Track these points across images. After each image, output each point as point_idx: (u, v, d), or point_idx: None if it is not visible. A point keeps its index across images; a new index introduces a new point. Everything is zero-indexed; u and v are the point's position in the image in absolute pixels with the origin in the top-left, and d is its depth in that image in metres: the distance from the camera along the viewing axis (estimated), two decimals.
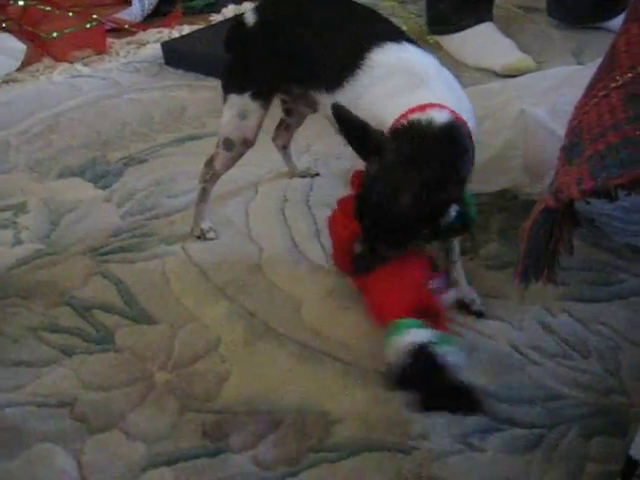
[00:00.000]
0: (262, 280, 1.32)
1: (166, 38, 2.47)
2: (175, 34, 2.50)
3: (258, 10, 1.34)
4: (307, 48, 1.24)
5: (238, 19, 1.37)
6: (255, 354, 1.17)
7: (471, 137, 1.11)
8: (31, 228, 1.51)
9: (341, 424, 1.04)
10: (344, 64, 1.18)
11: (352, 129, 1.07)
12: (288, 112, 1.51)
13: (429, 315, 1.07)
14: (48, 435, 1.04)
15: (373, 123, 1.07)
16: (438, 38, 2.31)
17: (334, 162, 1.67)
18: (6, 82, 2.26)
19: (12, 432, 1.05)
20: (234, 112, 1.34)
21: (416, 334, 1.01)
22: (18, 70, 2.32)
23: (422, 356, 0.99)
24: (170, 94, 2.04)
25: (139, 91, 2.10)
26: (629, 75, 0.71)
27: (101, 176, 1.68)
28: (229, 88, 1.35)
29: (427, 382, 0.98)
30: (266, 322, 1.22)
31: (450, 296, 1.21)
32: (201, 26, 2.51)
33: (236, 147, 1.36)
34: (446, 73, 1.19)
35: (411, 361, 0.98)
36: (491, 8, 2.28)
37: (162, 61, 2.28)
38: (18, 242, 1.47)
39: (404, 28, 2.41)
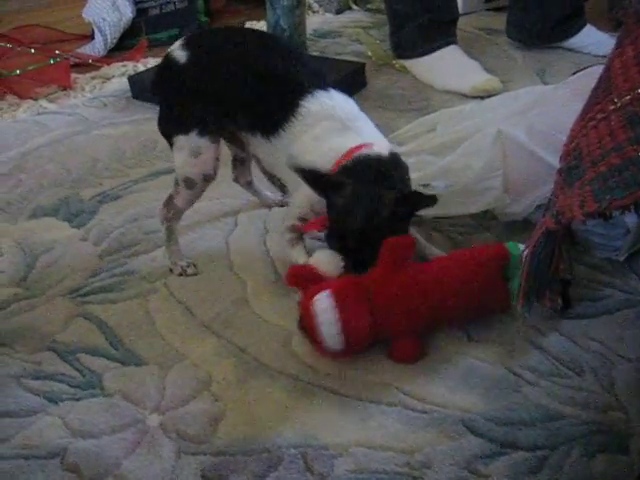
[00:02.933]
0: (249, 314, 1.30)
1: (131, 71, 2.45)
2: (140, 67, 2.49)
3: (188, 47, 1.33)
4: (240, 90, 1.30)
5: (168, 58, 1.35)
6: (248, 391, 1.14)
7: None
8: (6, 271, 1.47)
9: (342, 457, 1.02)
10: (279, 111, 1.28)
11: (308, 175, 1.21)
12: (239, 146, 1.49)
13: None
14: None
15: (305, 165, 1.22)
16: (404, 62, 2.33)
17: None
18: None
19: None
20: (186, 153, 1.32)
21: None
22: None
23: None
24: (140, 127, 2.02)
25: (108, 126, 2.07)
26: (627, 97, 0.72)
27: (75, 215, 1.64)
28: (173, 130, 1.33)
29: None
30: (257, 357, 1.20)
31: None
32: None
33: (198, 184, 1.35)
34: (363, 115, 1.35)
35: None
36: (455, 31, 2.31)
37: (129, 95, 2.26)
38: None
39: (369, 54, 2.45)
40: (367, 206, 1.20)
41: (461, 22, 2.38)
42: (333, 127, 1.28)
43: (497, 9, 2.80)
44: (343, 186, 1.21)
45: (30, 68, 2.41)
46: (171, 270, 1.41)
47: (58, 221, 1.63)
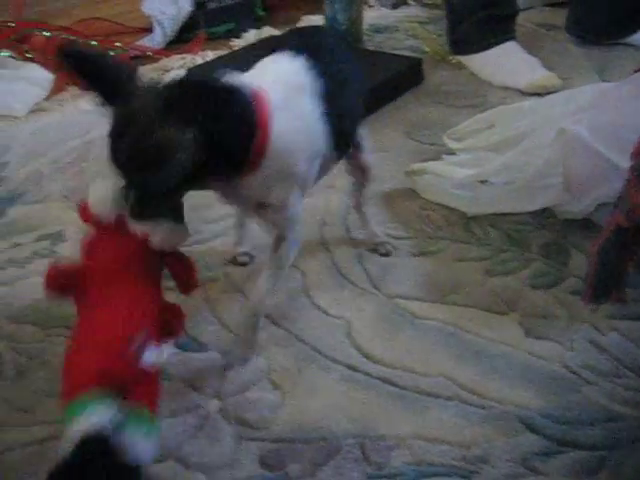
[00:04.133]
0: (307, 304, 1.31)
1: (189, 64, 2.48)
2: (198, 60, 2.52)
3: None
4: None
5: None
6: (306, 380, 1.16)
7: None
8: (70, 257, 1.51)
9: (399, 449, 1.03)
10: None
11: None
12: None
13: (121, 384, 0.85)
14: None
15: None
16: (461, 58, 2.32)
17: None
18: (34, 112, 2.28)
19: None
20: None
21: (93, 416, 0.81)
22: (45, 100, 2.34)
23: (93, 446, 0.80)
24: None
25: None
26: None
27: None
28: None
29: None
30: (315, 347, 1.22)
31: (152, 355, 0.92)
32: (224, 52, 2.53)
33: None
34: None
35: (79, 454, 0.80)
36: (514, 27, 2.29)
37: None
38: None
39: (426, 49, 2.45)
40: (135, 140, 0.92)
41: (520, 17, 2.36)
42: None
43: (557, 4, 2.76)
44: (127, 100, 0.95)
45: None
46: (232, 258, 1.44)
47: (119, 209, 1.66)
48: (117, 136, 0.95)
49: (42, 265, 1.49)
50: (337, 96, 1.13)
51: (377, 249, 1.44)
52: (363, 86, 1.30)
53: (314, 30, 1.47)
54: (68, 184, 1.80)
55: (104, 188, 1.03)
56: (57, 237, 1.59)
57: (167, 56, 2.58)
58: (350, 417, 1.09)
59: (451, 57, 2.35)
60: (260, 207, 1.11)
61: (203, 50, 2.61)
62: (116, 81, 0.98)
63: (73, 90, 2.38)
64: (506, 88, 2.14)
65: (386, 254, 1.43)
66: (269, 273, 1.16)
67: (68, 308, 1.35)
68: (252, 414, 1.10)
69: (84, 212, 1.04)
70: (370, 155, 1.39)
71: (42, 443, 1.07)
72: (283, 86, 1.06)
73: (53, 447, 0.99)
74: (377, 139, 1.89)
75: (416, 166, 1.65)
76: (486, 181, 1.57)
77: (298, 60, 1.11)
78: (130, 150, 0.92)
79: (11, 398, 1.17)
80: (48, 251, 1.54)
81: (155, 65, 2.53)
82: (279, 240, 1.16)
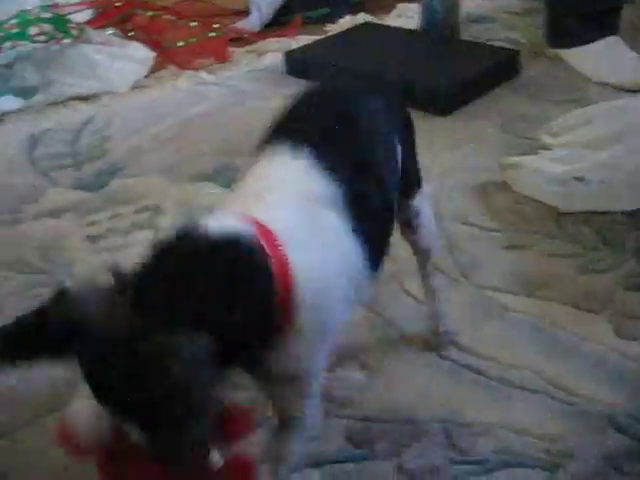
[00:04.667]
0: (397, 290, 1.34)
1: (285, 47, 2.52)
2: (293, 44, 2.56)
3: None
4: None
5: None
6: (394, 363, 1.19)
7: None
8: (168, 230, 1.58)
9: (485, 437, 1.05)
10: None
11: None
12: None
13: None
14: None
15: None
16: (559, 51, 2.27)
17: (459, 176, 1.68)
18: (134, 89, 2.36)
19: None
20: None
21: None
22: (145, 77, 2.42)
23: None
24: None
25: (262, 99, 2.16)
26: None
27: (232, 181, 1.73)
28: None
29: None
30: (404, 332, 1.24)
31: None
32: (319, 36, 2.56)
33: None
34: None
35: None
36: (617, 21, 2.23)
37: (283, 70, 2.34)
38: None
39: (523, 41, 2.41)
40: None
41: (623, 12, 2.29)
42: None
43: None
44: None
45: (191, 40, 2.54)
46: None
47: (216, 186, 1.73)
48: (101, 367, 0.65)
49: (142, 235, 1.57)
50: (367, 195, 0.87)
51: (438, 343, 1.20)
52: (410, 148, 1.05)
53: (331, 95, 1.00)
54: (167, 160, 1.87)
55: (89, 409, 0.71)
56: (156, 210, 1.66)
57: (263, 39, 2.63)
58: (437, 402, 1.11)
59: (549, 50, 2.31)
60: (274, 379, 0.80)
61: (298, 34, 2.64)
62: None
63: (171, 69, 2.47)
64: (606, 84, 2.09)
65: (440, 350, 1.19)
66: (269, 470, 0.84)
67: None
68: (340, 392, 1.13)
69: (62, 435, 0.76)
70: (430, 233, 1.16)
71: None
72: (292, 211, 0.79)
73: None
74: (471, 130, 1.89)
75: (510, 159, 1.65)
76: (581, 178, 1.55)
77: (304, 159, 0.83)
78: (126, 388, 0.63)
79: None
80: (147, 223, 1.62)
81: (251, 47, 2.58)
82: (286, 421, 0.85)
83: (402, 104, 1.08)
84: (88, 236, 1.59)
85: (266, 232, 0.73)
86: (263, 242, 0.72)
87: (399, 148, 0.98)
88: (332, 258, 0.79)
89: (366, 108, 0.94)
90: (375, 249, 0.87)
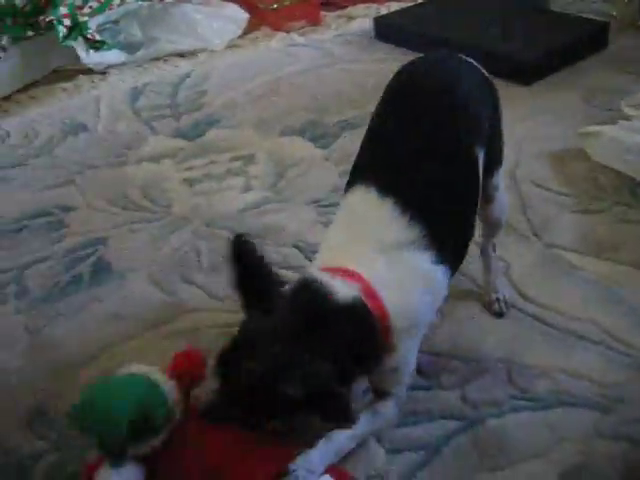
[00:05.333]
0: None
1: (374, 13, 2.60)
2: (383, 10, 2.63)
3: None
4: None
5: None
6: (464, 308, 1.28)
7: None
8: (259, 177, 1.71)
9: (543, 378, 1.13)
10: None
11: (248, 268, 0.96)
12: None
13: None
14: None
15: None
16: None
17: (538, 143, 1.74)
18: (229, 47, 2.49)
19: None
20: None
21: None
22: (239, 37, 2.55)
23: None
24: (380, 66, 2.17)
25: (351, 62, 2.25)
26: None
27: (320, 137, 1.84)
28: None
29: None
30: (474, 280, 1.33)
31: None
32: (408, 4, 2.62)
33: None
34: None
35: None
36: None
37: (372, 35, 2.42)
38: (248, 189, 1.67)
39: (613, 13, 2.41)
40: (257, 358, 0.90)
41: None
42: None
43: None
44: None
45: (285, 3, 2.64)
46: None
47: (304, 141, 1.84)
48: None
49: (235, 182, 1.70)
50: (451, 228, 1.02)
51: (490, 306, 1.26)
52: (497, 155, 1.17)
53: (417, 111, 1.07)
54: (259, 114, 2.00)
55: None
56: (249, 159, 1.78)
57: (353, 4, 2.71)
58: (500, 344, 1.20)
59: None
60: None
61: (388, 0, 2.71)
62: (260, 291, 0.96)
63: (264, 30, 2.58)
64: None
65: (499, 313, 1.25)
66: (362, 429, 1.02)
67: (255, 221, 1.55)
68: None
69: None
70: (502, 205, 1.24)
71: (227, 327, 1.26)
72: (382, 261, 0.96)
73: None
74: (552, 100, 1.93)
75: (590, 128, 1.69)
76: None
77: (385, 206, 0.98)
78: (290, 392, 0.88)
79: (206, 287, 1.38)
80: (240, 170, 1.75)
81: (342, 12, 2.67)
82: (381, 395, 1.06)
83: (492, 87, 1.16)
84: (185, 179, 1.74)
85: (365, 287, 0.95)
86: (365, 294, 0.94)
87: (486, 132, 1.09)
88: (418, 290, 0.98)
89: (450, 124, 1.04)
90: (458, 264, 1.05)
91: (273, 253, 1.42)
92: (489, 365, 1.16)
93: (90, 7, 2.34)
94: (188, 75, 2.29)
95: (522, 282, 1.32)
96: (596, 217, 1.49)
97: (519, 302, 1.28)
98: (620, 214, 1.49)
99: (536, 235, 1.44)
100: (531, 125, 1.81)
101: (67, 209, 1.66)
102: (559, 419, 1.07)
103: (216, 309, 1.32)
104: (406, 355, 1.01)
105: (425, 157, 1.01)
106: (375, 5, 2.69)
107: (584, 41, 2.18)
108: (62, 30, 2.26)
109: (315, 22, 2.60)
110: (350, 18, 2.63)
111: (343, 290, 0.93)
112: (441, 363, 1.17)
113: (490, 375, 1.15)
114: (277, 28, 2.58)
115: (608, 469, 1.00)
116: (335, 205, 1.55)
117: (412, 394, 1.11)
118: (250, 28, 2.59)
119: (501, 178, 1.20)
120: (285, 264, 1.40)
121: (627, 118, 1.73)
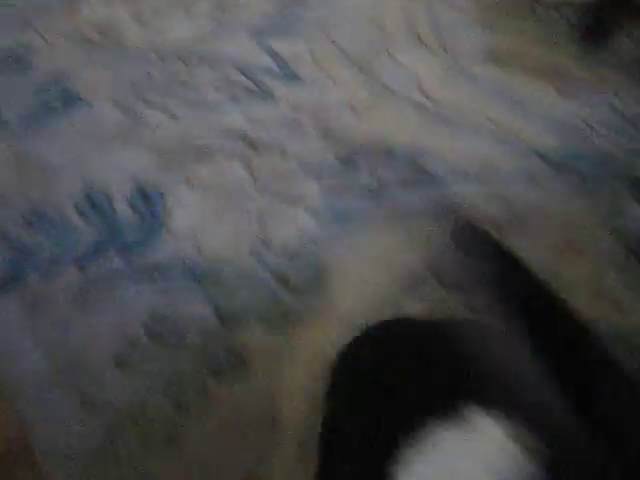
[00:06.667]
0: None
1: None
2: None
3: None
4: None
5: None
6: (380, 109, 1.53)
7: None
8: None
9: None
10: None
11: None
12: None
13: None
14: None
15: None
16: None
17: None
18: None
19: None
20: None
21: None
22: None
23: None
24: None
25: None
26: None
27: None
28: None
29: None
30: (387, 86, 1.57)
31: None
32: None
33: None
34: None
35: None
36: None
37: None
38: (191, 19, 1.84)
39: None
40: None
41: None
42: None
43: None
44: None
45: None
46: None
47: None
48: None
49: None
50: None
51: None
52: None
53: None
54: None
55: None
56: None
57: None
58: (405, 135, 1.46)
59: None
60: None
61: None
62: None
63: None
64: None
65: None
66: None
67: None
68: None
69: None
70: None
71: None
72: None
73: None
74: None
75: None
76: None
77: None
78: None
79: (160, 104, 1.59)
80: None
81: None
82: None
83: None
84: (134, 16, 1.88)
85: None
86: None
87: None
88: None
89: None
90: None
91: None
92: (395, 155, 1.42)
93: None
94: None
95: (430, 87, 1.56)
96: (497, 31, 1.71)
97: (426, 102, 1.53)
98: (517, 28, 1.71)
99: (444, 49, 1.66)
100: None
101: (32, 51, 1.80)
102: None
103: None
104: None
105: None
106: None
107: None
108: None
109: None
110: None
111: None
112: None
113: (397, 162, 1.41)
114: None
115: None
116: None
117: (333, 180, 1.39)
118: None
119: None
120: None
121: None
